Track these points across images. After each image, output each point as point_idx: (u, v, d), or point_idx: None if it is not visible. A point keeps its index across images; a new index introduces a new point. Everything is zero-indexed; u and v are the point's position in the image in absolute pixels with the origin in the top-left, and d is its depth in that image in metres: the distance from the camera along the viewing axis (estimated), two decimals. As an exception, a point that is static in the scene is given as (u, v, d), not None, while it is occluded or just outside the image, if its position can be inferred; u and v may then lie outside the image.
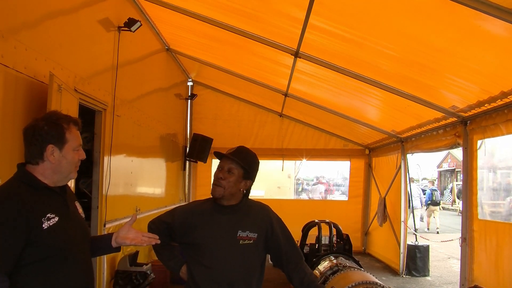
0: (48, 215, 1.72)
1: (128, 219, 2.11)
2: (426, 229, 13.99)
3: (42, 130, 1.76)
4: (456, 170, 27.06)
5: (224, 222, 2.21)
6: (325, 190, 21.33)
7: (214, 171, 2.27)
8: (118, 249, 2.09)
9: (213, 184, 2.22)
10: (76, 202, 2.00)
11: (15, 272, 1.64)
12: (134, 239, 2.02)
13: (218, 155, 2.29)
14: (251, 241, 2.21)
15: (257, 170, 2.31)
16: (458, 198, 17.47)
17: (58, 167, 1.80)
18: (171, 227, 2.29)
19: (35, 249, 1.67)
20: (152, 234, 2.08)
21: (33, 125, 1.79)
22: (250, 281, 2.21)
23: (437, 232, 13.42)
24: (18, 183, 1.75)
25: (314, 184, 22.10)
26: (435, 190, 14.78)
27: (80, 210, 2.00)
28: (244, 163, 2.22)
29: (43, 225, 1.69)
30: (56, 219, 1.74)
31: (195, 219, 2.24)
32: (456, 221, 16.87)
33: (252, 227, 2.22)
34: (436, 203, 14.51)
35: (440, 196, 15.41)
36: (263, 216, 2.30)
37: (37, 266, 1.68)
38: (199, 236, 2.19)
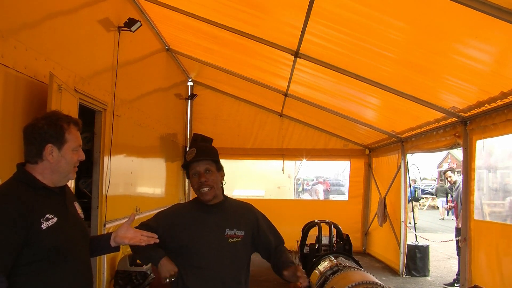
0: (47, 215, 1.72)
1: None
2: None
3: (42, 129, 1.76)
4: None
5: (211, 222, 2.21)
6: (325, 190, 21.34)
7: (191, 181, 2.22)
8: (117, 248, 2.09)
9: (199, 189, 2.19)
10: (75, 202, 1.99)
11: (14, 273, 1.63)
12: (133, 238, 2.02)
13: (187, 163, 2.23)
14: (239, 239, 2.23)
15: None
16: (436, 195, 19.09)
17: (56, 167, 1.80)
18: (155, 232, 2.21)
19: (34, 249, 1.66)
20: (151, 233, 2.07)
21: (33, 124, 1.78)
22: (239, 278, 2.24)
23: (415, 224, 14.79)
24: (17, 183, 1.75)
25: (313, 184, 22.11)
26: (417, 187, 16.33)
27: (79, 210, 2.00)
28: (212, 157, 2.24)
29: (42, 226, 1.69)
30: (55, 219, 1.74)
31: (180, 221, 2.23)
32: (437, 218, 18.38)
33: (239, 225, 2.25)
34: (417, 200, 15.88)
35: (422, 194, 17.38)
36: (249, 214, 2.34)
37: (35, 266, 1.68)
38: (186, 237, 2.19)
